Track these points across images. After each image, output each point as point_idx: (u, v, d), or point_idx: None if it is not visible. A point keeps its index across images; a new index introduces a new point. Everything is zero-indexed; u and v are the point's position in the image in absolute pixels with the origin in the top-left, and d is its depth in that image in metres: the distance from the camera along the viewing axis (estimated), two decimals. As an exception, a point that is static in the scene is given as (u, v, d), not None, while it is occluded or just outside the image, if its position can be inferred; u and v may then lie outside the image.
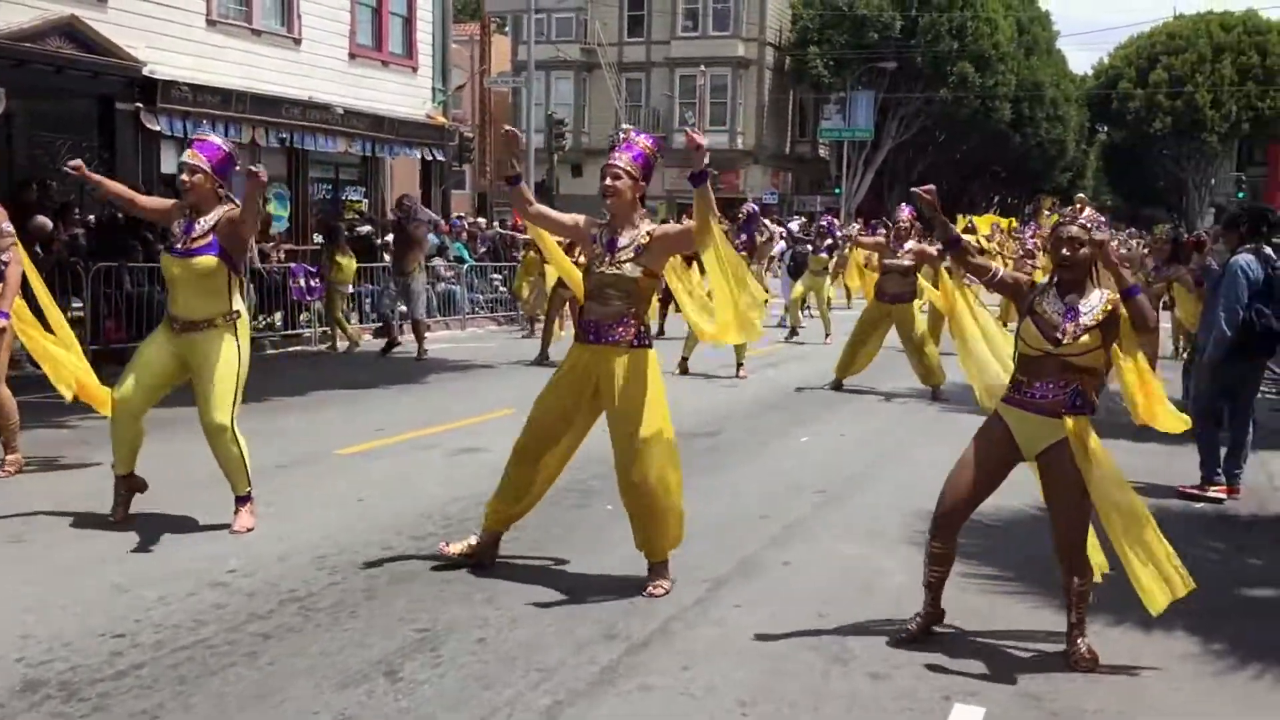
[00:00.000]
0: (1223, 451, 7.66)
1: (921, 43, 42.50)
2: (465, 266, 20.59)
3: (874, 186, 46.30)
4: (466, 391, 11.55)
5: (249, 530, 5.94)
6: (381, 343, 14.51)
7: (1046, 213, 28.99)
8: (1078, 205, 4.69)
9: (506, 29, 46.02)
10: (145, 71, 18.11)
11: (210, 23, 19.63)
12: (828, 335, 16.96)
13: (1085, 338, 4.44)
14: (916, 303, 11.94)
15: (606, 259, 5.24)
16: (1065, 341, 4.44)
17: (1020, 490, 5.31)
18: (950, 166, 49.17)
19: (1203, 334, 7.75)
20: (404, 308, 14.44)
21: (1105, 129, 61.08)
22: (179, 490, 6.65)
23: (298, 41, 21.47)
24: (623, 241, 5.25)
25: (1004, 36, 44.64)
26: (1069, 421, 4.52)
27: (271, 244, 18.62)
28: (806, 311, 19.18)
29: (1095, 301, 4.54)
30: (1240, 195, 45.99)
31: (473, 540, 5.60)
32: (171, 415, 7.03)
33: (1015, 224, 32.35)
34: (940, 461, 5.18)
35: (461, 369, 13.36)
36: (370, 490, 7.05)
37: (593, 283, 5.29)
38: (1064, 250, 4.50)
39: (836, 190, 44.41)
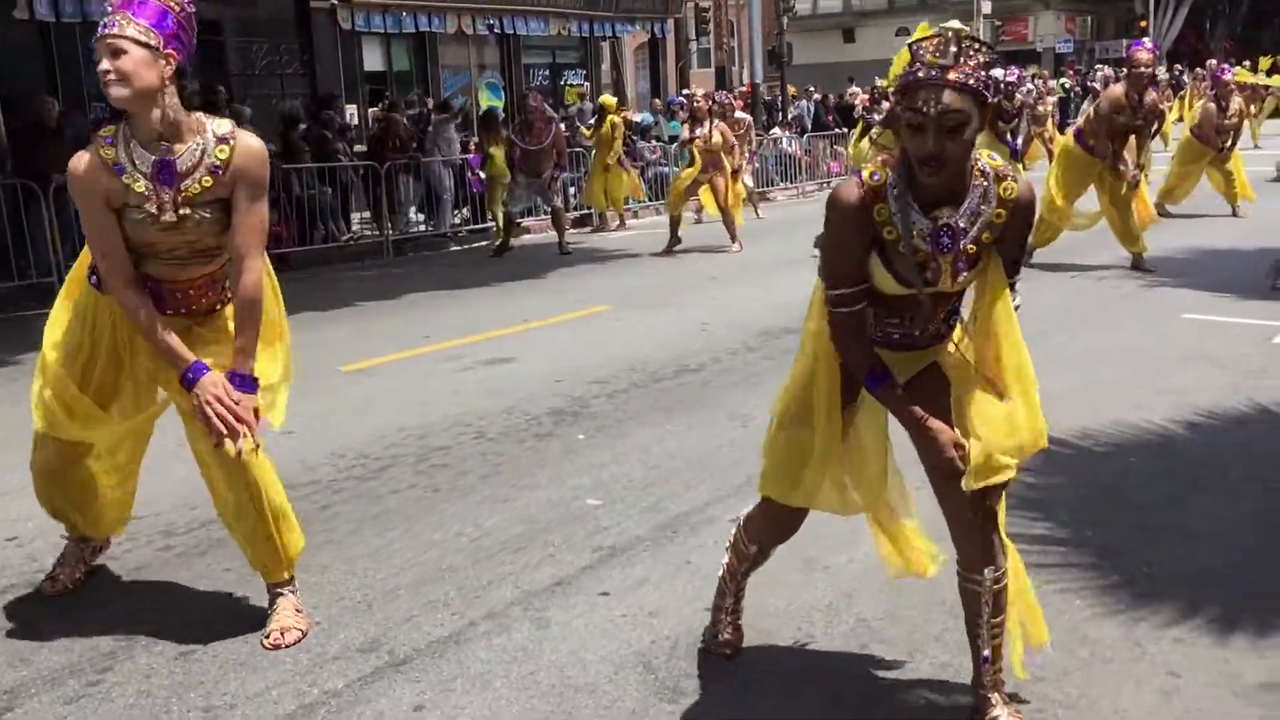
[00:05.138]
0: None
1: None
2: (676, 145, 19.18)
3: (1191, 24, 40.58)
4: (570, 287, 10.31)
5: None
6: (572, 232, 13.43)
7: None
8: (947, 35, 2.51)
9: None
10: (337, -35, 17.62)
11: (405, -93, 18.87)
12: None
13: (969, 273, 2.71)
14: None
15: (163, 200, 3.24)
16: (942, 284, 2.71)
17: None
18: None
19: None
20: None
21: None
22: None
23: (503, -83, 20.41)
24: (184, 163, 3.27)
25: None
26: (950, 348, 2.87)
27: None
28: None
29: (977, 204, 2.66)
30: None
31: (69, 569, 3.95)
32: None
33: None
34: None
35: (601, 260, 12.13)
36: (315, 420, 5.95)
37: (147, 238, 3.30)
38: (929, 133, 2.49)
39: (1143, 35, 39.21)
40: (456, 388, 6.64)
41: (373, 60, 19.87)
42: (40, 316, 3.84)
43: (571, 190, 16.16)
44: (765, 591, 3.54)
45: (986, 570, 2.75)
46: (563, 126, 13.85)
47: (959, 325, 2.89)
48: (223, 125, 3.33)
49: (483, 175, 15.18)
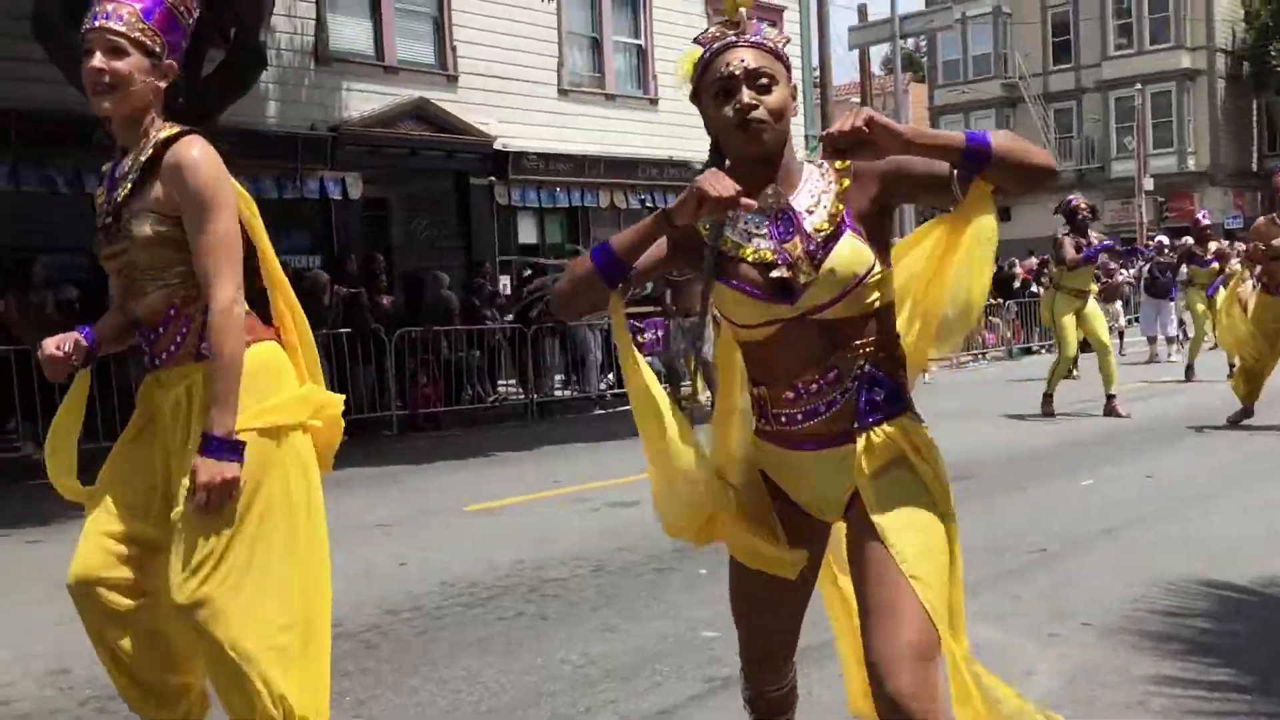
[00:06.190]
0: None
1: None
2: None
3: (1369, 197, 39.09)
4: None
5: None
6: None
7: None
8: (728, 14, 2.28)
9: (923, 75, 44.40)
10: (497, 145, 18.32)
11: (562, 92, 19.69)
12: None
13: (838, 267, 2.18)
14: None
15: (104, 208, 2.80)
16: (806, 285, 2.19)
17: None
18: None
19: None
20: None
21: None
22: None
23: (654, 102, 21.11)
24: (121, 168, 2.78)
25: None
26: (871, 438, 2.24)
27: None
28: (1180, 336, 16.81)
29: (818, 185, 2.28)
30: None
31: None
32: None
33: None
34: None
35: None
36: (430, 553, 5.78)
37: (113, 262, 2.81)
38: (741, 89, 2.20)
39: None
40: (580, 526, 6.40)
41: (527, 233, 20.44)
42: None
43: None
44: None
45: None
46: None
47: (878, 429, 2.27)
48: (174, 129, 2.73)
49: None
